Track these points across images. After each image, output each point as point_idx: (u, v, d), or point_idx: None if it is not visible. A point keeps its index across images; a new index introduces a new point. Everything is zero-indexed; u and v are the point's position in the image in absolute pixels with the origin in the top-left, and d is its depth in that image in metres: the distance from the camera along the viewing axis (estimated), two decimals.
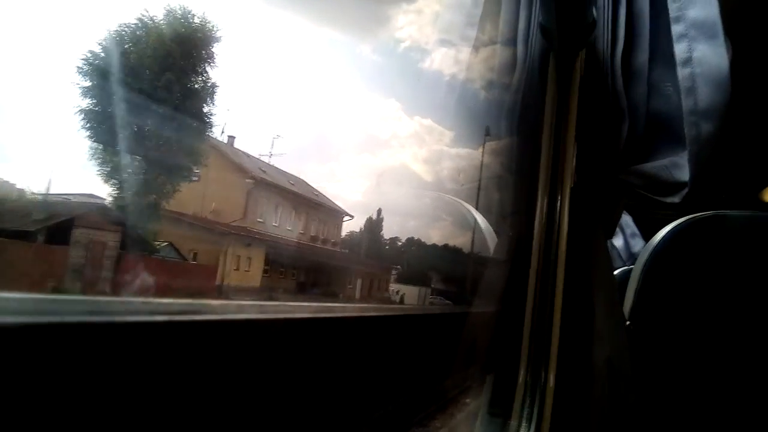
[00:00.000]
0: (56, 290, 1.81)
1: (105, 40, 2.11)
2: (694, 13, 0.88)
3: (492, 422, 1.02)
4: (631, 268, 1.13)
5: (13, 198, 1.98)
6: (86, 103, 2.07)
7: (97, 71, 2.03)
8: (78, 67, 2.02)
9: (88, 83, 2.05)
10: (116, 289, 2.11)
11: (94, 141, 2.14)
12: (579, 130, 1.01)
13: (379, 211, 3.43)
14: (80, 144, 2.06)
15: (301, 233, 3.15)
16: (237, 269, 2.72)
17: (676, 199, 0.91)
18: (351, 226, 3.47)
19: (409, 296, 3.46)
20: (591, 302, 0.96)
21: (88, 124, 2.08)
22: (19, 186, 2.02)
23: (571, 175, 1.03)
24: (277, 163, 2.95)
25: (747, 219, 1.10)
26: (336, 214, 3.33)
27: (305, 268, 3.13)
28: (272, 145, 2.89)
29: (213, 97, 2.45)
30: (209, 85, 2.42)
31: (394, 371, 1.02)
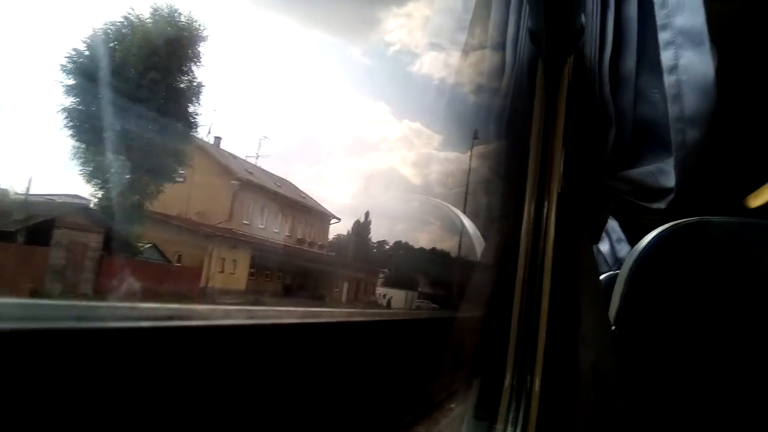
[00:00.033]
0: (36, 292, 1.77)
1: (90, 38, 2.08)
2: (681, 21, 0.89)
3: (478, 426, 1.02)
4: (617, 273, 1.14)
5: None
6: (69, 101, 2.04)
7: (81, 69, 1.99)
8: (62, 65, 1.99)
9: (71, 81, 2.02)
10: (97, 291, 2.07)
11: (77, 140, 2.10)
12: (567, 135, 1.02)
13: (367, 214, 3.42)
14: (63, 143, 2.03)
15: (287, 236, 3.13)
16: (222, 272, 2.69)
17: (661, 205, 0.92)
18: (338, 228, 3.46)
19: (396, 300, 3.45)
20: (577, 307, 0.97)
21: (71, 123, 2.04)
22: (0, 186, 1.97)
23: (558, 180, 1.03)
24: (264, 164, 2.93)
25: (731, 225, 1.12)
26: (323, 217, 3.31)
27: (292, 270, 3.11)
28: (259, 146, 2.87)
29: (198, 97, 2.43)
30: (195, 84, 2.40)
31: (380, 375, 1.01)
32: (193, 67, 2.36)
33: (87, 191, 2.15)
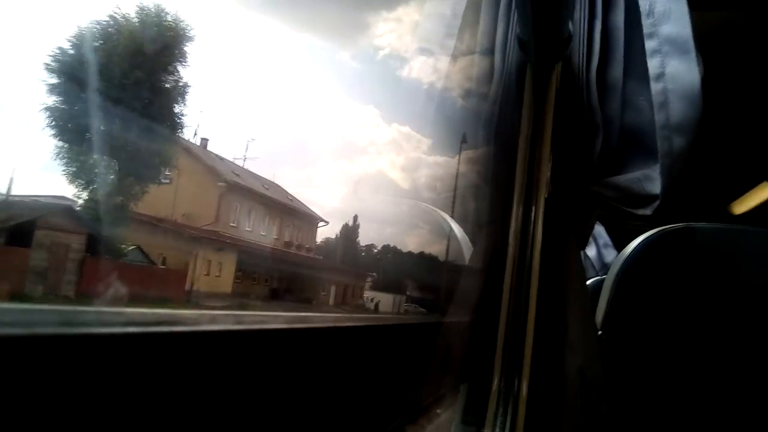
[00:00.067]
0: (15, 294, 1.73)
1: (74, 36, 2.04)
2: (667, 30, 0.90)
3: (466, 430, 1.02)
4: (604, 278, 1.15)
5: None
6: (52, 100, 2.00)
7: (65, 68, 1.96)
8: (45, 63, 1.96)
9: (54, 80, 1.98)
10: (80, 293, 2.03)
11: (60, 139, 2.07)
12: (554, 141, 1.03)
13: (356, 218, 3.41)
14: (46, 142, 1.99)
15: (275, 238, 3.11)
16: (208, 274, 2.66)
17: (647, 212, 0.93)
18: (327, 232, 3.44)
19: (384, 303, 3.44)
20: (564, 312, 0.97)
21: (54, 122, 2.01)
22: None
23: (546, 185, 1.04)
24: (252, 167, 2.91)
25: (716, 231, 1.14)
26: (311, 220, 3.30)
27: (279, 274, 3.08)
28: (246, 148, 2.84)
29: (184, 97, 2.40)
30: (181, 84, 2.37)
31: (367, 380, 1.00)
32: (179, 67, 2.34)
33: (71, 192, 2.11)
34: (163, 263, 2.56)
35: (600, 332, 1.05)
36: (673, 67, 0.89)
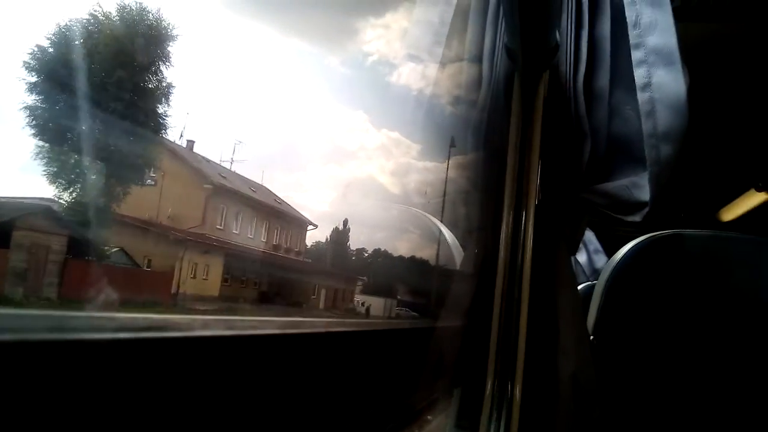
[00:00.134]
0: None
1: (54, 34, 2.00)
2: (653, 40, 0.91)
3: None
4: (595, 284, 1.17)
5: None
6: (32, 99, 1.96)
7: (45, 66, 1.92)
8: (24, 61, 1.91)
9: (34, 78, 1.94)
10: (61, 295, 2.00)
11: (40, 139, 2.03)
12: (543, 148, 1.04)
13: (346, 222, 3.40)
14: (25, 142, 1.95)
15: (263, 241, 3.08)
16: (194, 277, 2.63)
17: (637, 218, 0.95)
18: (317, 236, 3.43)
19: (375, 307, 3.44)
20: (555, 317, 0.99)
21: (34, 122, 1.97)
22: None
23: (535, 192, 1.05)
24: (240, 170, 2.88)
25: (705, 238, 1.16)
26: (300, 223, 3.28)
27: (268, 277, 3.06)
28: (234, 151, 2.81)
29: (168, 98, 2.36)
30: (164, 85, 2.34)
31: (359, 385, 1.01)
32: (162, 67, 2.30)
33: (51, 192, 2.07)
34: (149, 266, 2.52)
35: (591, 337, 1.07)
36: (660, 77, 0.90)
